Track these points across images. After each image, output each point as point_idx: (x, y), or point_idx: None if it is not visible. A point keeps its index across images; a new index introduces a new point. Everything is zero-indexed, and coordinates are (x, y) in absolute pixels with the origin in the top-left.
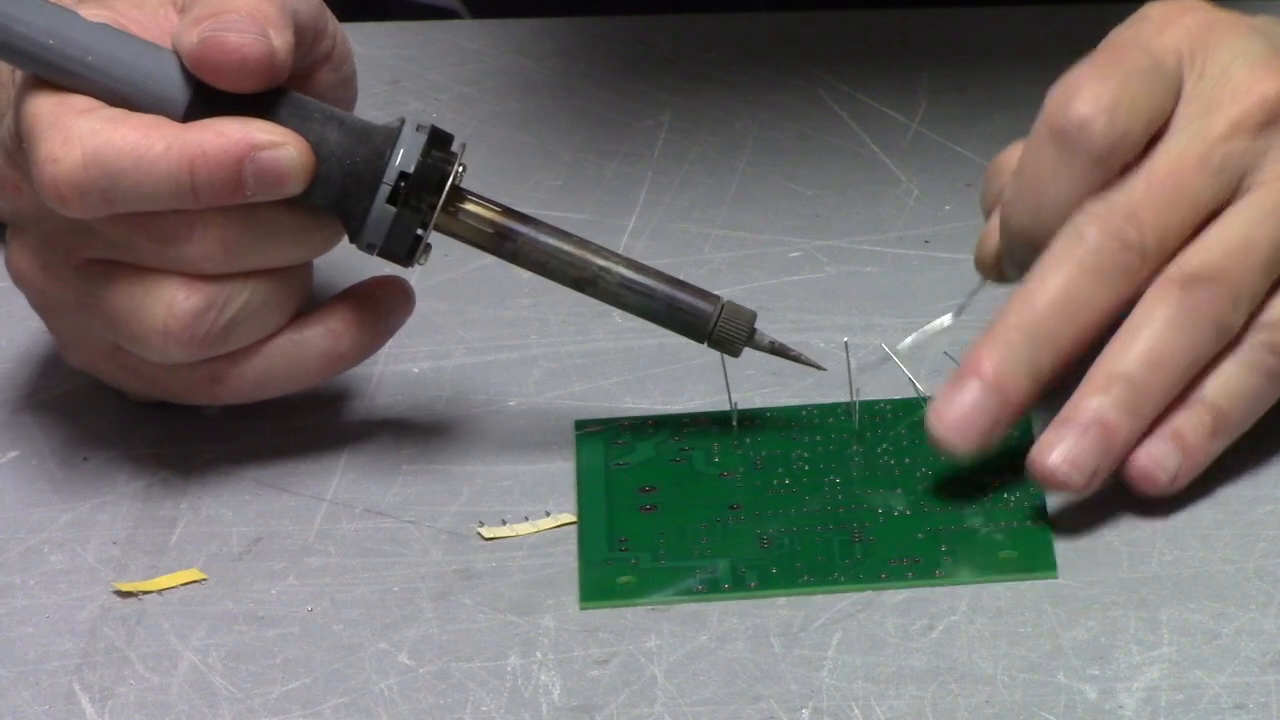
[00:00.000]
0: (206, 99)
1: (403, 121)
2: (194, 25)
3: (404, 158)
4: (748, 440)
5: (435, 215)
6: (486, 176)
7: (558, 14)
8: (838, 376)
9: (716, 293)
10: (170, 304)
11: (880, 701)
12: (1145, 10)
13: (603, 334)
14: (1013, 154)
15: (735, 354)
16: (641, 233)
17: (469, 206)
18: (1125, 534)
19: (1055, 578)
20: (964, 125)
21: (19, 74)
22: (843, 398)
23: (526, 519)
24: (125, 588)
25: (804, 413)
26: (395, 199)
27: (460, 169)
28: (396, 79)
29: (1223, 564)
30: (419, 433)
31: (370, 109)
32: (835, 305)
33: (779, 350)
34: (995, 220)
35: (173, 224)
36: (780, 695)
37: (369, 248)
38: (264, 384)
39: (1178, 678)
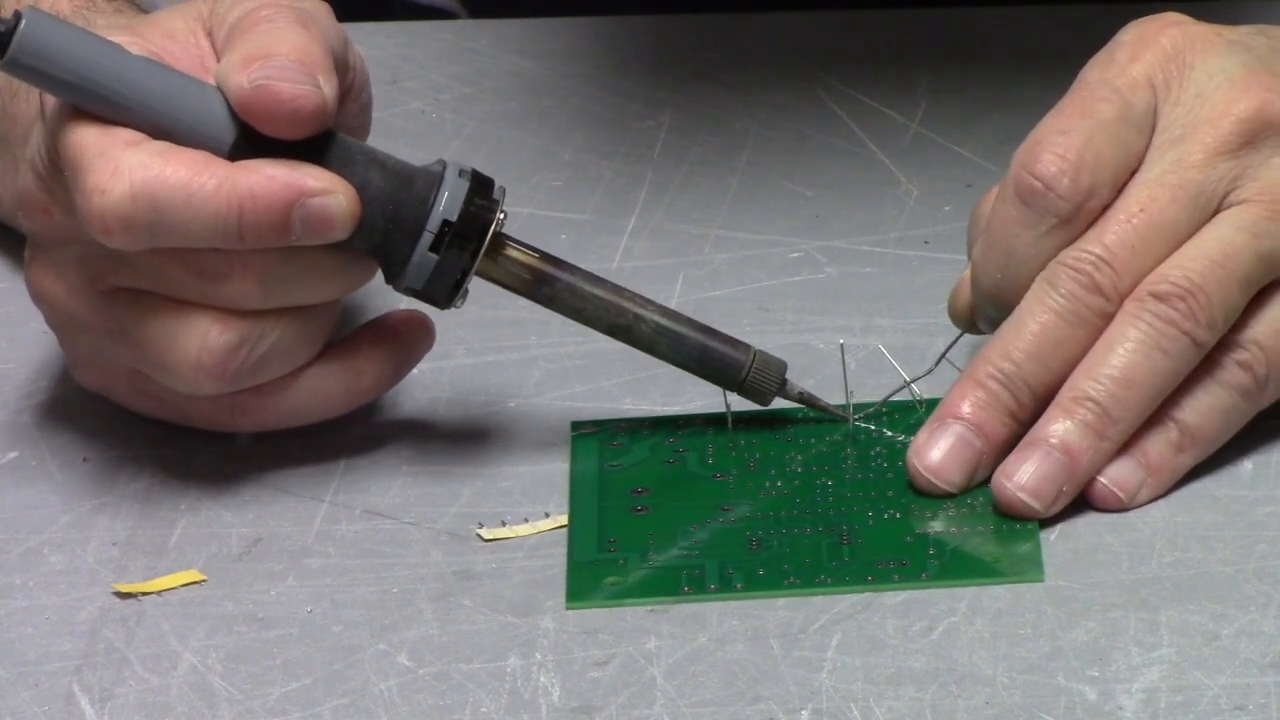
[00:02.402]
0: (252, 138)
1: (444, 165)
2: (243, 67)
3: (448, 205)
4: (742, 442)
5: (476, 262)
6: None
7: (558, 14)
8: (835, 379)
9: (746, 342)
10: (204, 338)
11: (880, 703)
12: (1121, 35)
13: (602, 336)
14: (988, 197)
15: (766, 404)
16: (641, 233)
17: (509, 253)
18: (1125, 535)
19: (1041, 581)
20: (964, 125)
21: (47, 97)
22: (839, 400)
23: (526, 520)
24: (125, 589)
25: (800, 415)
26: (438, 246)
27: (502, 216)
28: (396, 79)
29: (1222, 565)
30: (419, 434)
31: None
32: (835, 306)
33: (807, 400)
34: (968, 273)
35: (213, 261)
36: (780, 696)
37: (407, 290)
38: (286, 417)
39: (1177, 679)
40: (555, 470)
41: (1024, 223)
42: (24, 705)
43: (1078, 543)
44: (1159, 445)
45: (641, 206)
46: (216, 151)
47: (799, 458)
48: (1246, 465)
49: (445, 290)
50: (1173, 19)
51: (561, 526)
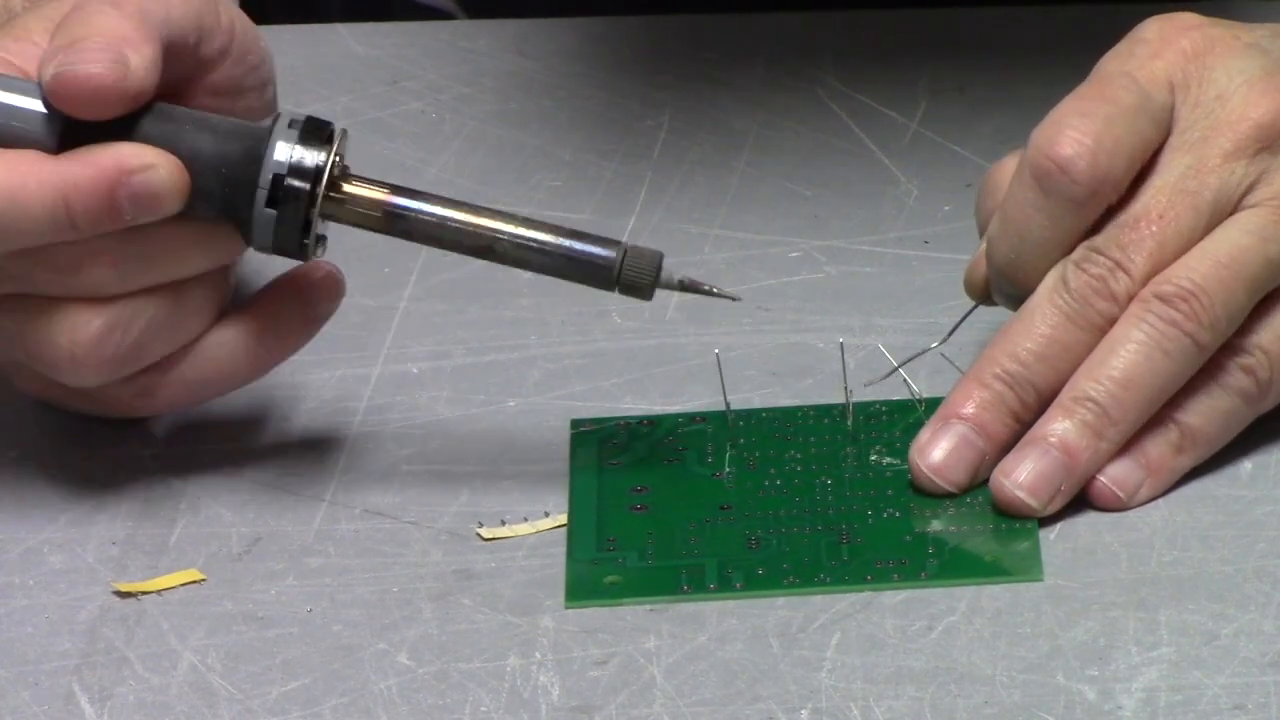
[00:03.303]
0: (76, 129)
1: (277, 118)
2: (51, 58)
3: (276, 159)
4: (741, 441)
5: (315, 209)
6: (486, 176)
7: (557, 14)
8: (834, 378)
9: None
10: (73, 330)
11: (879, 702)
12: (1142, 30)
13: (602, 334)
14: (1006, 169)
15: (647, 298)
16: (641, 233)
17: (352, 192)
18: (1124, 535)
19: (1041, 581)
20: (963, 125)
21: None
22: (839, 399)
23: (526, 519)
24: (125, 588)
25: (799, 414)
26: (275, 200)
27: (337, 158)
28: (396, 79)
29: (1222, 565)
30: (418, 433)
31: (370, 109)
32: (834, 305)
33: (689, 286)
34: (984, 247)
35: (64, 254)
36: (779, 696)
37: (262, 249)
38: (196, 389)
39: (1177, 678)
40: (555, 469)
41: (1039, 205)
42: (24, 704)
43: (1077, 542)
44: (1159, 446)
45: (641, 206)
46: (45, 148)
47: (798, 456)
48: (1246, 465)
49: (296, 243)
50: (1193, 20)
51: (561, 526)
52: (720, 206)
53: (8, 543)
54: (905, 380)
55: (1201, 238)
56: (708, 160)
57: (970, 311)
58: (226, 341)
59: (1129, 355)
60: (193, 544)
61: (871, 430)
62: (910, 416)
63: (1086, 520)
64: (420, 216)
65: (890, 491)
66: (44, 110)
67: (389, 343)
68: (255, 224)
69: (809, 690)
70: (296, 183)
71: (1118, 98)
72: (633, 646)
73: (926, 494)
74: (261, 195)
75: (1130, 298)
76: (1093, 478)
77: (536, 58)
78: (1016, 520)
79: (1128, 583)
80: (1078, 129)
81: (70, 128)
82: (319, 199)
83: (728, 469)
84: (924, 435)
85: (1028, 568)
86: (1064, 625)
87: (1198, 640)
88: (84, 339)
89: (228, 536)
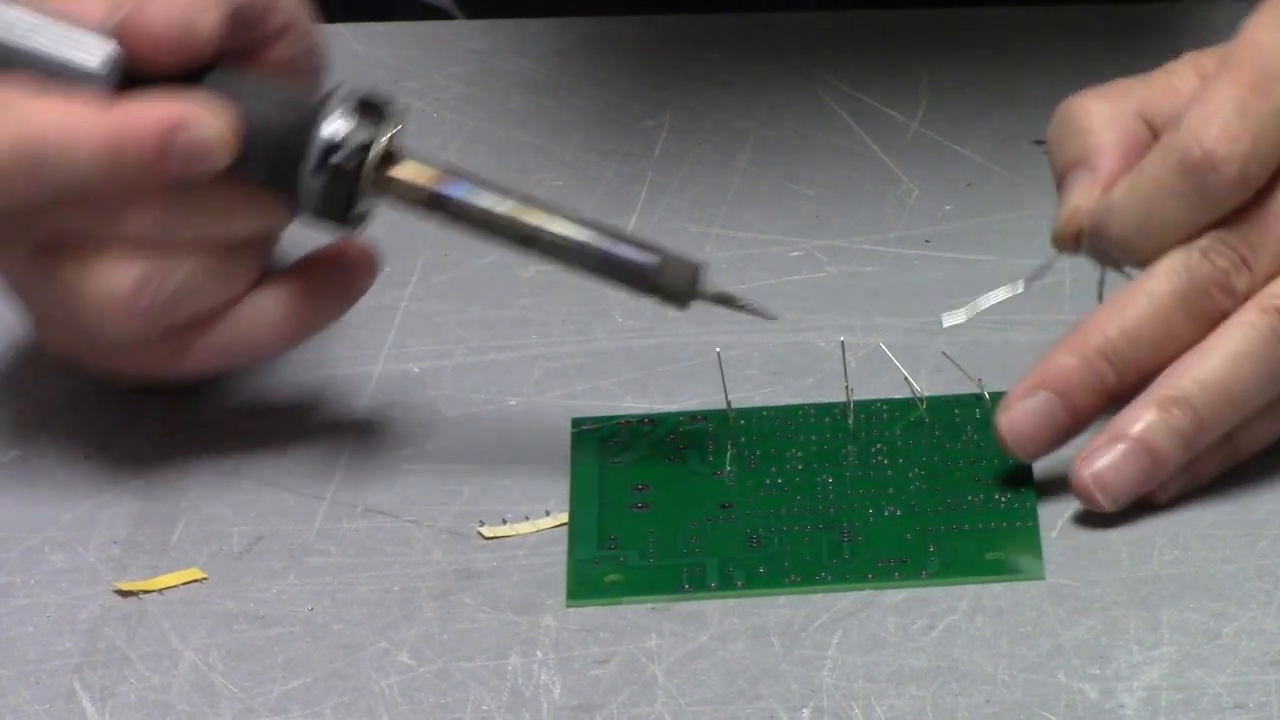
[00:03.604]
0: (134, 78)
1: (335, 89)
2: (123, 3)
3: (330, 128)
4: (743, 439)
5: (363, 183)
6: (487, 175)
7: (557, 14)
8: (835, 377)
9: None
10: (108, 278)
11: (881, 701)
12: None
13: (603, 333)
14: (1086, 110)
15: (683, 307)
16: (642, 232)
17: (401, 172)
18: (1126, 533)
19: (1041, 580)
20: (964, 124)
21: None
22: (841, 398)
23: (527, 518)
24: (126, 587)
25: (800, 412)
26: (322, 170)
27: (391, 134)
28: (397, 79)
29: (1223, 563)
30: (420, 432)
31: None
32: (835, 305)
33: (725, 300)
34: (1077, 198)
35: (106, 202)
36: (780, 694)
37: (305, 219)
38: (226, 354)
39: (1178, 677)
40: (556, 468)
41: (1178, 192)
42: (25, 704)
43: (1078, 540)
44: (1211, 457)
45: (642, 206)
46: (99, 96)
47: (799, 455)
48: (1247, 463)
49: (340, 214)
50: None
51: (562, 524)
52: (721, 206)
53: (9, 542)
54: (907, 378)
55: None
56: (708, 160)
57: (1052, 261)
58: (262, 308)
59: (1234, 363)
60: (194, 543)
61: (873, 429)
62: (911, 415)
63: (1088, 518)
64: (464, 205)
65: (891, 490)
66: (104, 57)
67: (390, 341)
68: (302, 191)
69: (810, 689)
70: (346, 154)
71: (1274, 93)
72: (634, 645)
73: (1007, 456)
74: (310, 163)
75: (1248, 296)
76: None
77: (537, 58)
78: (1017, 519)
79: (1129, 581)
80: (1236, 128)
81: (128, 79)
82: (367, 173)
83: (729, 468)
84: (1012, 396)
85: (1029, 566)
86: (1065, 624)
87: (1199, 639)
88: (119, 287)
89: (229, 535)
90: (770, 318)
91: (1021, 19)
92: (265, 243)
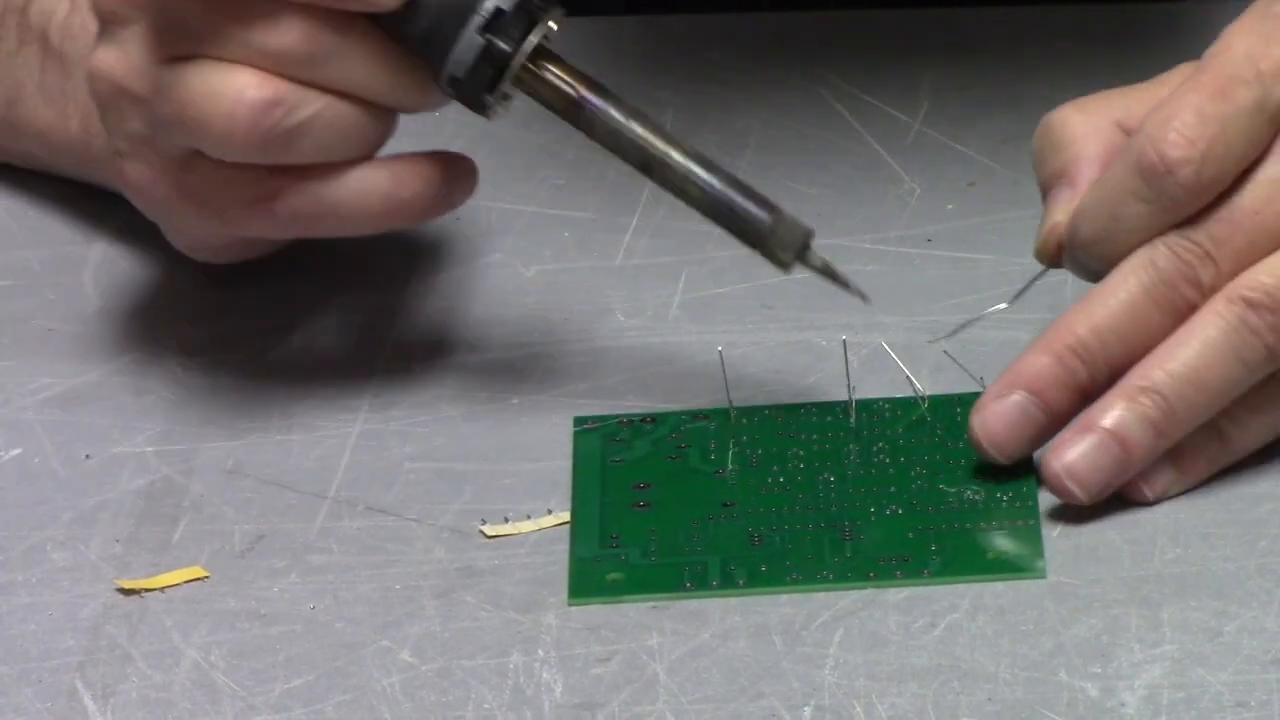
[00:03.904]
0: None
1: None
2: None
3: (498, 1)
4: (744, 438)
5: (521, 58)
6: (490, 174)
7: None
8: (837, 376)
9: (776, 206)
10: (241, 90)
11: (882, 699)
12: (1274, 5)
13: (605, 332)
14: (1066, 124)
15: (784, 267)
16: (644, 231)
17: (553, 67)
18: (1127, 532)
19: (1043, 578)
20: (966, 124)
21: None
22: (842, 397)
23: (529, 517)
24: (128, 585)
25: (802, 411)
26: (481, 38)
27: (553, 25)
28: None
29: (1224, 562)
30: (421, 430)
31: None
32: (837, 304)
33: (828, 271)
34: (1057, 214)
35: (263, 10)
36: (782, 693)
37: (450, 84)
38: (322, 214)
39: (1179, 676)
40: (558, 466)
41: (1138, 195)
42: (27, 702)
43: (1080, 539)
44: (1198, 452)
45: (644, 205)
46: None
47: (801, 453)
48: (1248, 462)
49: (487, 81)
50: None
51: (564, 523)
52: None
53: (11, 540)
54: (908, 377)
55: None
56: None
57: (1039, 276)
58: (368, 182)
59: (1204, 353)
60: (195, 541)
61: (874, 427)
62: (913, 414)
63: (1089, 517)
64: (600, 118)
65: (893, 489)
66: None
67: (392, 339)
68: (458, 48)
69: (812, 687)
70: (507, 32)
71: (1237, 97)
72: (635, 644)
73: (983, 458)
74: (476, 22)
75: (1215, 290)
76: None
77: None
78: (1019, 517)
79: (1130, 580)
80: (1191, 130)
81: None
82: (519, 57)
83: (730, 466)
84: (987, 398)
85: (1030, 565)
86: (1067, 622)
87: (1200, 637)
88: (249, 100)
89: (230, 534)
90: (866, 300)
91: (1022, 19)
92: (390, 118)
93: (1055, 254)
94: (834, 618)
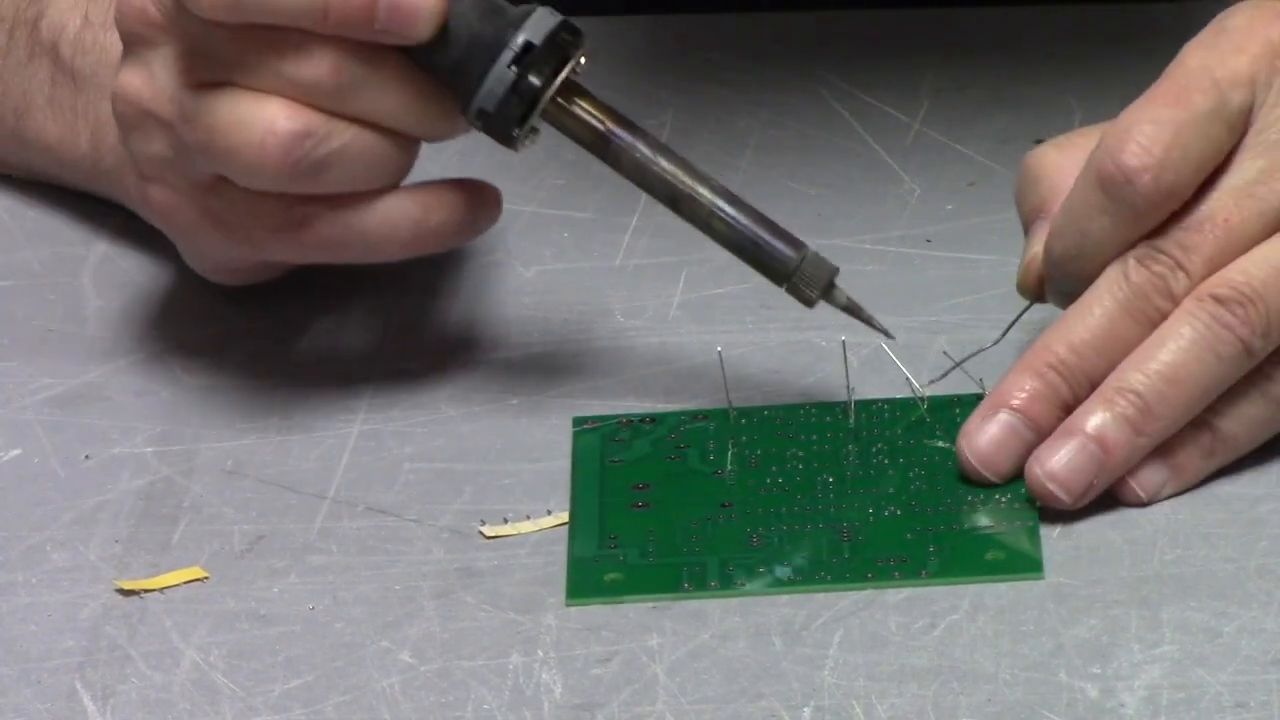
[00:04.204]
0: None
1: (536, 5)
2: None
3: (532, 30)
4: (744, 439)
5: (551, 92)
6: (490, 174)
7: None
8: (838, 376)
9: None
10: (272, 121)
11: (882, 700)
12: (1230, 17)
13: (604, 332)
14: (1044, 161)
15: (809, 304)
16: (644, 231)
17: (582, 102)
18: (1127, 532)
19: (1041, 579)
20: (966, 124)
21: None
22: (842, 397)
23: (528, 517)
24: (127, 586)
25: (801, 411)
26: (512, 72)
27: (582, 59)
28: None
29: (1224, 563)
30: (421, 431)
31: None
32: None
33: (853, 308)
34: (1036, 246)
35: (293, 41)
36: (782, 693)
37: (478, 116)
38: (351, 240)
39: (1179, 676)
40: (557, 467)
41: (1101, 208)
42: (26, 702)
43: (1079, 540)
44: (1189, 448)
45: (644, 205)
46: None
47: (800, 454)
48: (1248, 462)
49: (516, 116)
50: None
51: (564, 523)
52: None
53: (10, 541)
54: (908, 378)
55: (1263, 239)
56: (711, 159)
57: (1024, 311)
58: (395, 210)
59: (1178, 351)
60: (195, 542)
61: (874, 428)
62: (912, 414)
63: (1089, 518)
64: (629, 151)
65: (892, 490)
66: None
67: (391, 340)
68: (488, 82)
69: (812, 688)
70: (539, 66)
71: (1192, 103)
72: (635, 644)
73: (970, 481)
74: (507, 56)
75: (1186, 296)
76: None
77: None
78: (1018, 518)
79: (1130, 580)
80: (1146, 138)
81: None
82: (557, 82)
83: (729, 467)
84: (972, 422)
85: (1029, 565)
86: (1066, 623)
87: (1200, 638)
88: (279, 131)
89: (230, 534)
90: (890, 337)
91: (1022, 19)
92: (416, 146)
93: (1036, 286)
94: (834, 618)
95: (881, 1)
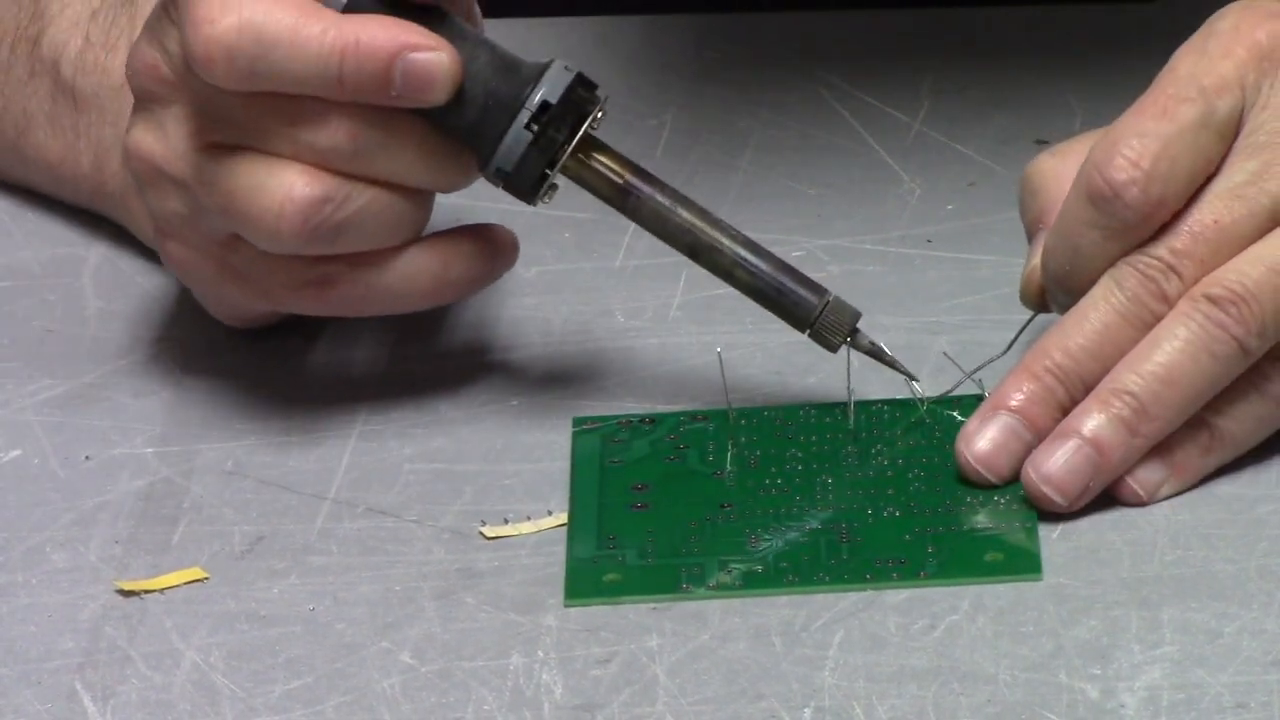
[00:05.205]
0: (366, 2)
1: (552, 61)
2: None
3: (549, 88)
4: (743, 439)
5: (568, 151)
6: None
7: (558, 14)
8: (838, 377)
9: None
10: (290, 187)
11: (882, 701)
12: (1218, 21)
13: (604, 333)
14: (1042, 170)
15: (833, 350)
16: (644, 232)
17: (601, 156)
18: (1127, 533)
19: (1040, 579)
20: (966, 125)
21: None
22: (841, 398)
23: (528, 518)
24: (127, 586)
25: (801, 413)
26: (533, 127)
27: (599, 115)
28: None
29: (1225, 563)
30: (421, 432)
31: None
32: None
33: (876, 353)
34: (1035, 258)
35: (310, 109)
36: (782, 694)
37: (497, 174)
38: (373, 296)
39: (1179, 677)
40: (557, 468)
41: (1091, 222)
42: (26, 703)
43: (1079, 540)
44: (1187, 447)
45: None
46: (332, 6)
47: (799, 455)
48: (1248, 462)
49: (534, 175)
50: (1273, 9)
51: (564, 524)
52: (723, 205)
53: (10, 541)
54: (908, 379)
55: (1255, 240)
56: (711, 159)
57: (1029, 322)
58: (416, 264)
59: (1172, 352)
60: (195, 543)
61: (873, 429)
62: (912, 415)
63: (1089, 518)
64: (649, 203)
65: (891, 491)
66: None
67: (392, 341)
68: (505, 144)
69: (812, 689)
70: (558, 123)
71: (1179, 114)
72: (635, 645)
73: (969, 483)
74: (523, 117)
75: (1180, 298)
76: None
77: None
78: (1017, 519)
79: (1130, 581)
80: (1134, 152)
81: (361, 2)
82: (574, 142)
83: (729, 468)
84: (971, 424)
85: (1028, 566)
86: (1066, 624)
87: (1200, 639)
88: (297, 198)
89: (230, 535)
90: (914, 379)
91: (1022, 19)
92: (429, 202)
93: (1038, 297)
94: (834, 619)
95: (881, 1)
